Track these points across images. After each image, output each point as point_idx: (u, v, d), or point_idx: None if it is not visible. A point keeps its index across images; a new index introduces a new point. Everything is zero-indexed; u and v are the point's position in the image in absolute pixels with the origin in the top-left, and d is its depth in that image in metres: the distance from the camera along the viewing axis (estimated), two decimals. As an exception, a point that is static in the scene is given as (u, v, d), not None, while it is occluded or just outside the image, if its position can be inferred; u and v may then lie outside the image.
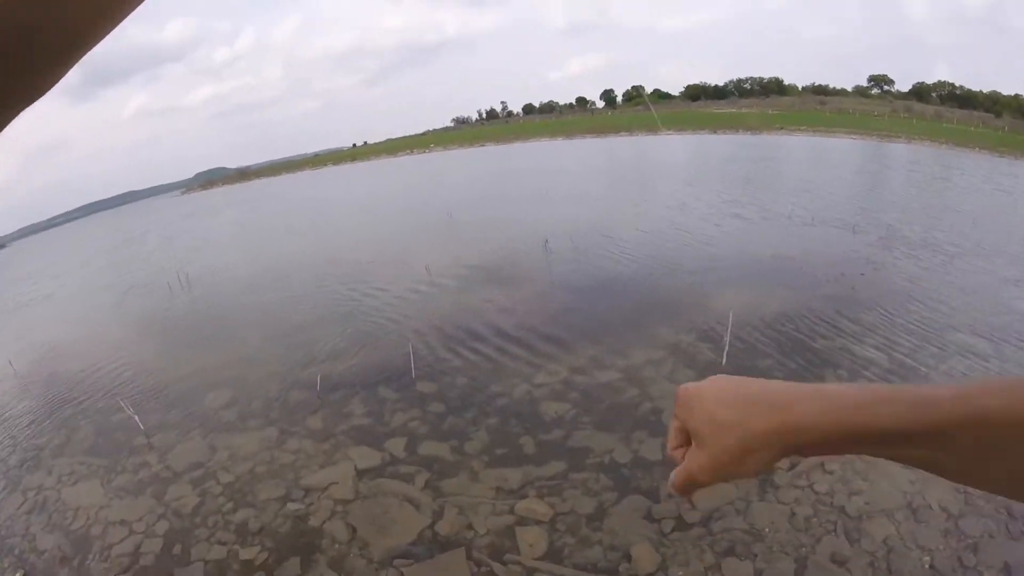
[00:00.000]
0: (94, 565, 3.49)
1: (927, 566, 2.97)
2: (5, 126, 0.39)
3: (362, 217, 14.43)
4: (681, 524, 3.28)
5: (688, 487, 0.51)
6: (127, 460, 4.55)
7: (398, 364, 5.37)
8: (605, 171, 22.66)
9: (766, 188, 15.43)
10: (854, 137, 38.94)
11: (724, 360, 4.82)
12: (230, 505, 3.83)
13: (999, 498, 3.39)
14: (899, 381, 4.68)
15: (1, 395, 6.38)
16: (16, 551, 3.70)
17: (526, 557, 3.13)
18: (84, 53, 0.37)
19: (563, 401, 4.54)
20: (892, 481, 3.53)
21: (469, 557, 3.17)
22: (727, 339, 4.96)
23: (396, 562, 3.19)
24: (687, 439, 0.53)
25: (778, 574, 2.95)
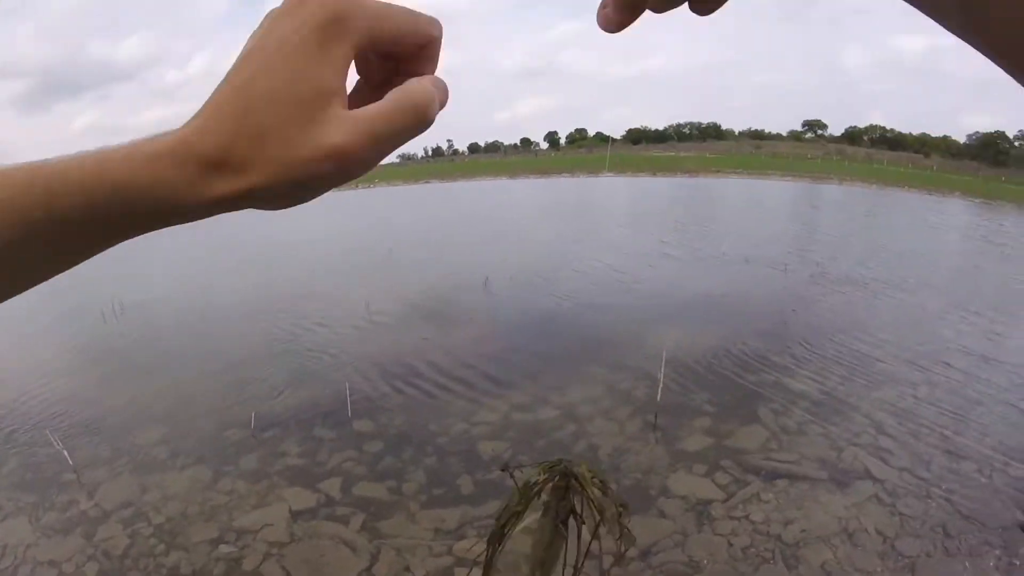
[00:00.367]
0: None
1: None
2: None
3: (301, 251, 14.22)
4: (620, 560, 3.27)
5: None
6: (56, 497, 4.34)
7: (334, 402, 5.27)
8: (545, 211, 22.88)
9: (701, 229, 15.78)
10: (788, 179, 40.30)
11: (659, 396, 4.87)
12: (161, 547, 3.68)
13: (934, 517, 3.50)
14: (831, 410, 4.82)
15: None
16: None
17: (464, 599, 3.09)
18: None
19: (501, 440, 4.52)
20: (827, 508, 3.61)
21: (405, 600, 3.12)
22: (661, 376, 5.02)
23: (330, 607, 3.12)
24: None
25: (713, 609, 2.96)
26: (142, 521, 3.97)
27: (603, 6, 0.40)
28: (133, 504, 4.16)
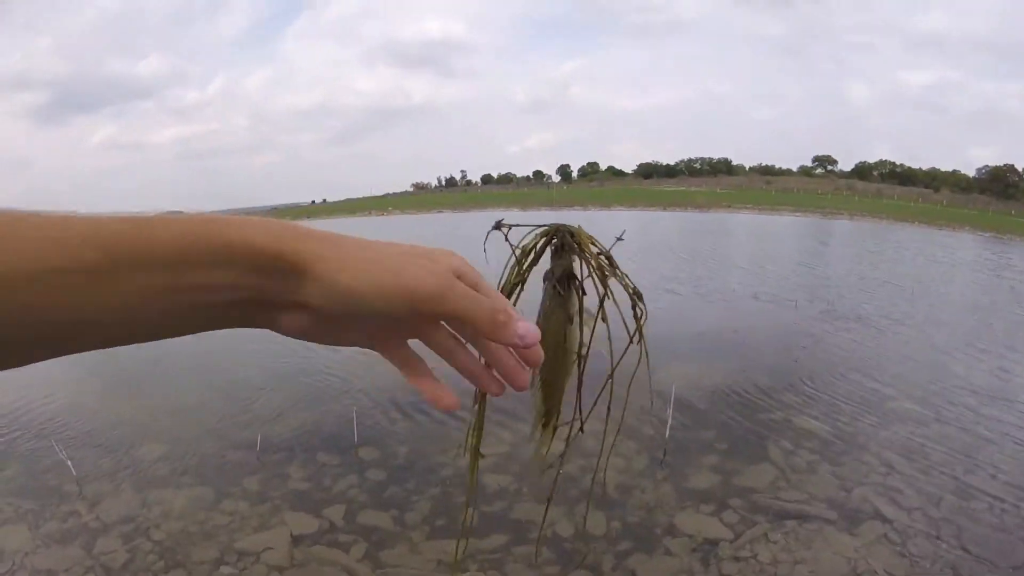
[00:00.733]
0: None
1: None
2: None
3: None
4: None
5: None
6: (57, 506, 4.31)
7: (340, 428, 5.25)
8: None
9: (710, 263, 15.79)
10: (798, 214, 40.39)
11: (667, 433, 4.83)
12: (160, 564, 3.64)
13: (944, 558, 3.45)
14: (841, 450, 4.77)
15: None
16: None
17: (464, 633, 3.05)
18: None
19: (506, 473, 4.48)
20: (836, 549, 3.55)
21: (405, 632, 3.08)
22: (670, 412, 4.98)
23: (328, 637, 3.07)
24: None
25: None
26: (142, 536, 3.93)
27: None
28: (134, 519, 4.13)
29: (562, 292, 0.65)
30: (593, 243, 0.66)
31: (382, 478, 4.51)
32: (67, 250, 0.36)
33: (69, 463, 4.72)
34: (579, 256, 0.65)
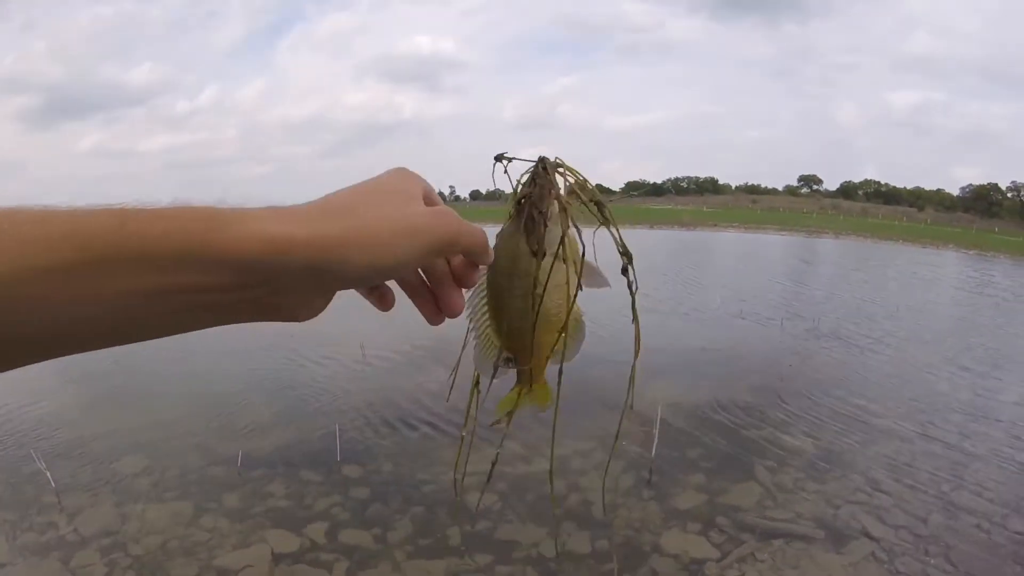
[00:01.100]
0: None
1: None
2: None
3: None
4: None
5: None
6: (35, 517, 4.23)
7: (323, 444, 5.18)
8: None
9: (696, 282, 15.82)
10: (783, 233, 40.68)
11: (653, 452, 4.80)
12: (138, 581, 3.58)
13: (932, 575, 3.44)
14: (827, 468, 4.76)
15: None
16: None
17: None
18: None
19: (491, 491, 4.43)
20: (824, 568, 3.54)
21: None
22: (656, 430, 4.96)
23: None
24: None
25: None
26: (120, 551, 3.85)
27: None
28: (112, 533, 4.05)
29: (527, 219, 0.60)
30: (580, 182, 0.63)
31: (365, 495, 4.45)
32: (44, 249, 0.34)
33: (48, 474, 4.64)
34: (550, 187, 0.61)
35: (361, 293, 0.54)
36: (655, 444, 4.86)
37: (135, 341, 0.42)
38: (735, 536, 3.84)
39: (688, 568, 3.57)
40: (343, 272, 0.43)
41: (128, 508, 4.37)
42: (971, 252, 32.15)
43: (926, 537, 3.84)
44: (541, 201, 0.60)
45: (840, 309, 11.83)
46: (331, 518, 4.16)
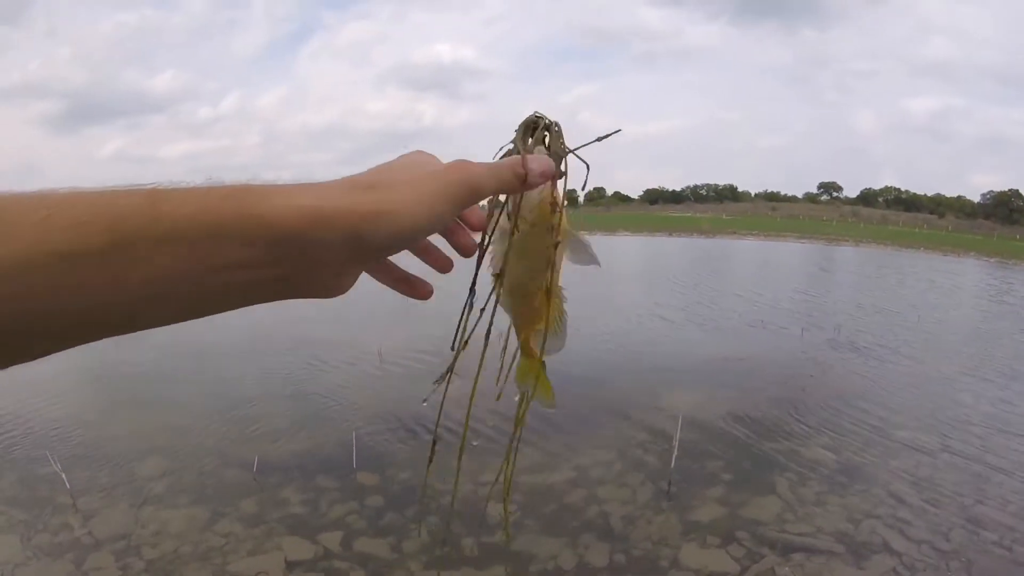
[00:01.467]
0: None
1: None
2: None
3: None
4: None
5: None
6: (49, 518, 4.24)
7: (340, 452, 5.17)
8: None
9: (715, 290, 15.72)
10: (803, 241, 40.40)
11: (673, 463, 4.74)
12: (151, 585, 3.58)
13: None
14: (848, 481, 4.69)
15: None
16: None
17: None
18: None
19: (509, 502, 4.39)
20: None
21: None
22: (676, 441, 4.90)
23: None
24: None
25: None
26: (134, 555, 3.85)
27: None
28: (127, 536, 4.05)
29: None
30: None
31: (380, 504, 4.42)
32: (72, 233, 0.33)
33: (63, 476, 4.65)
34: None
35: (389, 284, 0.57)
36: (674, 456, 4.81)
37: (163, 324, 0.40)
38: (755, 550, 3.78)
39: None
40: (375, 239, 0.43)
41: (143, 511, 4.38)
42: (992, 260, 31.81)
43: (948, 552, 3.77)
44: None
45: (860, 319, 11.72)
46: (346, 526, 4.14)
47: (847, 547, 3.82)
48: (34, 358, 0.37)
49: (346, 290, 0.48)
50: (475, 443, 0.70)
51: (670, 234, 43.66)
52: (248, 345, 9.29)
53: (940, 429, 5.75)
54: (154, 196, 0.36)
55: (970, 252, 35.22)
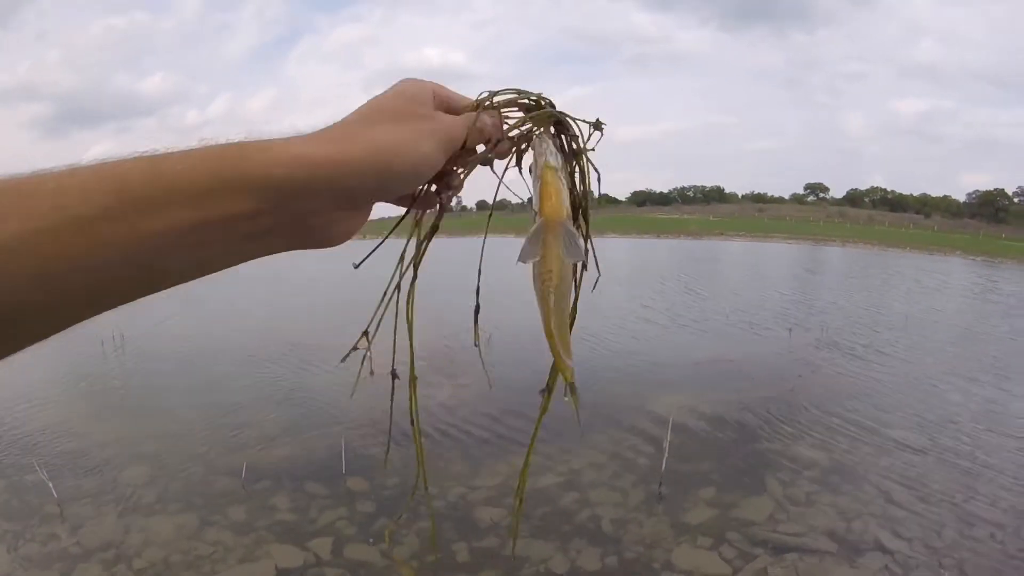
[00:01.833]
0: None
1: None
2: None
3: (308, 299, 14.18)
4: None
5: None
6: (37, 528, 4.21)
7: (328, 456, 5.14)
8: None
9: (704, 292, 15.78)
10: (790, 242, 40.58)
11: (664, 465, 4.73)
12: (141, 595, 3.54)
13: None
14: (839, 480, 4.70)
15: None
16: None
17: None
18: None
19: (499, 506, 4.37)
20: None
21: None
22: (667, 444, 4.89)
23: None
24: None
25: None
26: (123, 564, 3.81)
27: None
28: (115, 545, 4.01)
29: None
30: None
31: (371, 510, 4.40)
32: (81, 198, 0.35)
33: (50, 484, 4.60)
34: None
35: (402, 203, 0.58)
36: (665, 458, 4.80)
37: (176, 282, 0.42)
38: (747, 551, 3.78)
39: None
40: (363, 187, 0.45)
41: (131, 520, 4.34)
42: (978, 258, 32.09)
43: (940, 549, 3.79)
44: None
45: (848, 319, 11.78)
46: (336, 532, 4.11)
47: (839, 546, 3.83)
48: (57, 330, 0.39)
49: (350, 236, 0.50)
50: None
51: (658, 236, 43.78)
52: (236, 351, 9.23)
53: (929, 428, 5.78)
54: (153, 159, 0.38)
55: (956, 251, 35.50)
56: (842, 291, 16.69)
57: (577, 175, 0.61)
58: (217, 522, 4.27)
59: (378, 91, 0.50)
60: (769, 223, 60.11)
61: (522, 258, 0.55)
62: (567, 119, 0.58)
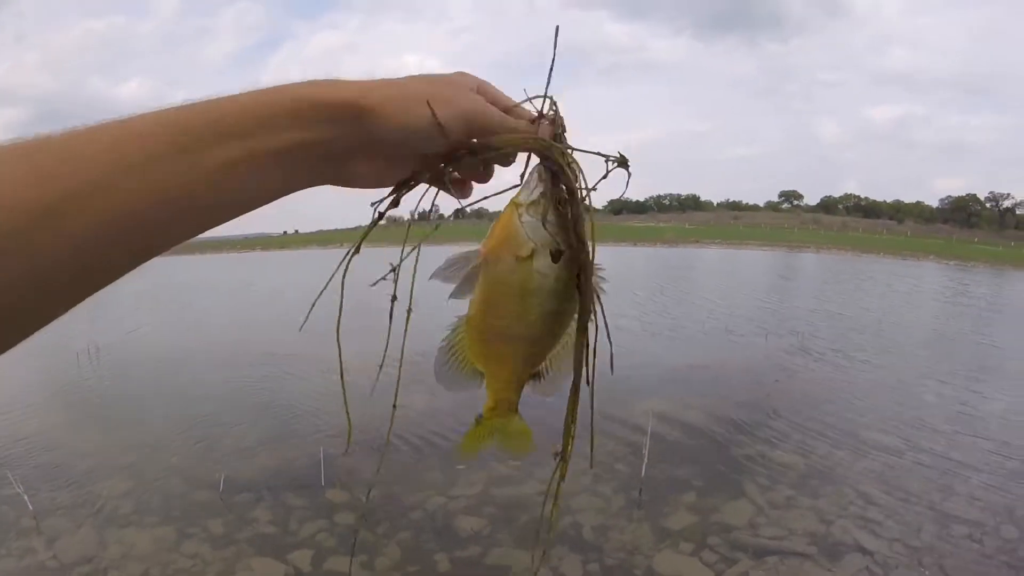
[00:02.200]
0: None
1: None
2: None
3: (287, 306, 14.06)
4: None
5: None
6: (13, 542, 4.14)
7: (308, 468, 5.09)
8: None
9: (681, 298, 15.88)
10: (765, 249, 40.94)
11: (643, 471, 4.74)
12: (118, 611, 3.48)
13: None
14: (818, 483, 4.73)
15: None
16: None
17: None
18: None
19: (480, 516, 4.35)
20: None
21: None
22: (646, 450, 4.90)
23: None
24: None
25: None
26: (101, 578, 3.76)
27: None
28: (93, 559, 3.94)
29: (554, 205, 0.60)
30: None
31: (351, 522, 4.36)
32: (137, 145, 0.39)
33: (25, 497, 4.51)
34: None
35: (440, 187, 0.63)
36: (644, 464, 4.81)
37: (223, 220, 0.47)
38: (728, 556, 3.79)
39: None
40: (381, 131, 0.49)
41: (109, 533, 4.27)
42: (951, 263, 32.60)
43: (920, 549, 3.82)
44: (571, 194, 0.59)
45: (823, 323, 11.90)
46: (316, 545, 4.06)
47: (819, 548, 3.85)
48: (124, 271, 0.43)
49: (379, 182, 0.57)
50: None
51: (635, 244, 43.96)
52: (211, 361, 9.14)
53: (906, 429, 5.84)
54: (208, 103, 0.43)
55: (929, 256, 36.05)
56: (817, 297, 16.86)
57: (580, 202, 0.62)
58: (195, 535, 4.21)
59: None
60: (744, 230, 60.63)
61: (455, 295, 0.64)
62: (568, 169, 0.59)
